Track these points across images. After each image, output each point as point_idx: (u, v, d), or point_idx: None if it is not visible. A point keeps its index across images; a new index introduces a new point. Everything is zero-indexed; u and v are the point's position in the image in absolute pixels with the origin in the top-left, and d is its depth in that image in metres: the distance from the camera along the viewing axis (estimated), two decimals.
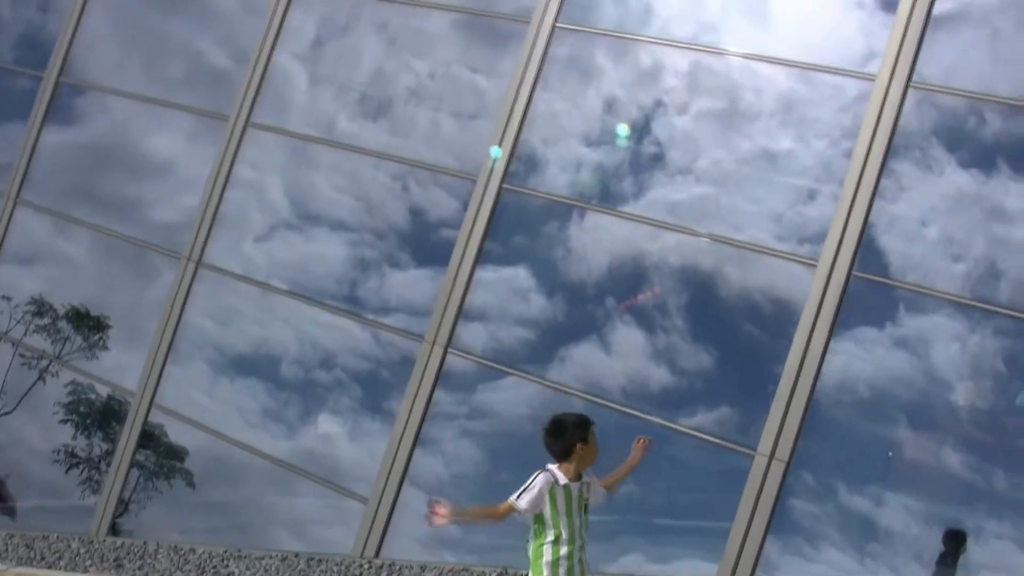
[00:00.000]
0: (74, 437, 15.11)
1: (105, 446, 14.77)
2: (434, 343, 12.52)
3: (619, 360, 11.70)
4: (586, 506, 7.41)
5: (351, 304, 13.40)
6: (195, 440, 14.06)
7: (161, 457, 14.38)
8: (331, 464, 12.88)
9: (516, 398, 12.15)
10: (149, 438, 14.41)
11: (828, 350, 10.51)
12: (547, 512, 7.29)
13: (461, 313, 12.49)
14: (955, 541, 10.20)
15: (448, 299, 12.56)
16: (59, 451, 15.09)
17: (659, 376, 11.48)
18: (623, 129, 12.30)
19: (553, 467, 7.41)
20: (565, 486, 7.30)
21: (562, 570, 7.26)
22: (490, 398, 12.31)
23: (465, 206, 12.63)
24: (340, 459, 12.91)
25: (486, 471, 12.20)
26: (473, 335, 12.42)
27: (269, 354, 13.79)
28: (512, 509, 7.32)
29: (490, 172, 12.63)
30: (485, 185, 12.62)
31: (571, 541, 7.26)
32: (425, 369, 12.50)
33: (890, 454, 10.54)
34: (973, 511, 9.97)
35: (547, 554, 7.30)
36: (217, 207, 14.49)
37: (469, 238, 12.56)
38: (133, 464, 14.35)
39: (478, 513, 7.74)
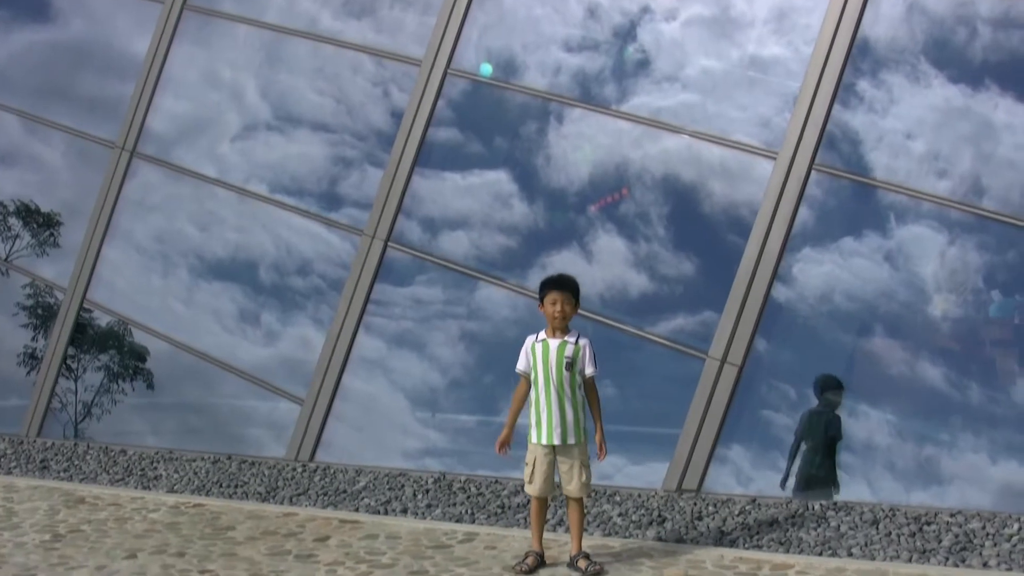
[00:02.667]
0: (34, 339, 14.98)
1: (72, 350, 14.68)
2: (373, 237, 12.44)
3: (599, 268, 11.64)
4: (568, 364, 8.13)
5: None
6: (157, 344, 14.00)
7: (125, 357, 14.28)
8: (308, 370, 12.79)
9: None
10: (110, 338, 14.34)
11: (787, 248, 10.48)
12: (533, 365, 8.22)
13: (401, 208, 12.41)
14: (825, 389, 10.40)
15: (388, 193, 12.47)
16: (20, 353, 15.00)
17: (637, 284, 11.42)
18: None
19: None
20: (543, 341, 8.22)
21: (532, 412, 8.25)
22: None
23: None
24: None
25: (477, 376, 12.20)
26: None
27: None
28: (520, 377, 8.35)
29: (433, 59, 12.54)
30: (428, 73, 12.56)
31: (544, 389, 8.15)
32: (363, 265, 12.43)
33: (866, 365, 10.50)
34: (947, 424, 9.93)
35: (531, 397, 8.25)
36: (152, 96, 14.39)
37: (411, 129, 12.50)
38: (64, 362, 14.28)
39: (515, 409, 8.40)
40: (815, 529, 9.05)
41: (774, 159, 10.64)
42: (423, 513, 10.25)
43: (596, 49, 12.07)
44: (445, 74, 12.54)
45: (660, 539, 9.11)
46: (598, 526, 9.50)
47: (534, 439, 8.22)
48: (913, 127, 10.45)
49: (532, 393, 8.23)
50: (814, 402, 10.37)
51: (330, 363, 12.34)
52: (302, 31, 13.78)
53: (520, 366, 8.28)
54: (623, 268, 11.43)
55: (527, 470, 8.27)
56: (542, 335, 8.24)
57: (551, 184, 12.00)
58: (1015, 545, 8.42)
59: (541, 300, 8.31)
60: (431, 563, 8.61)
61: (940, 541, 8.61)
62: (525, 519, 9.75)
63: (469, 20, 12.66)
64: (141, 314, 14.13)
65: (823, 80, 10.58)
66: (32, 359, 14.81)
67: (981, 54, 10.35)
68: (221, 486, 11.52)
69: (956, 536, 8.66)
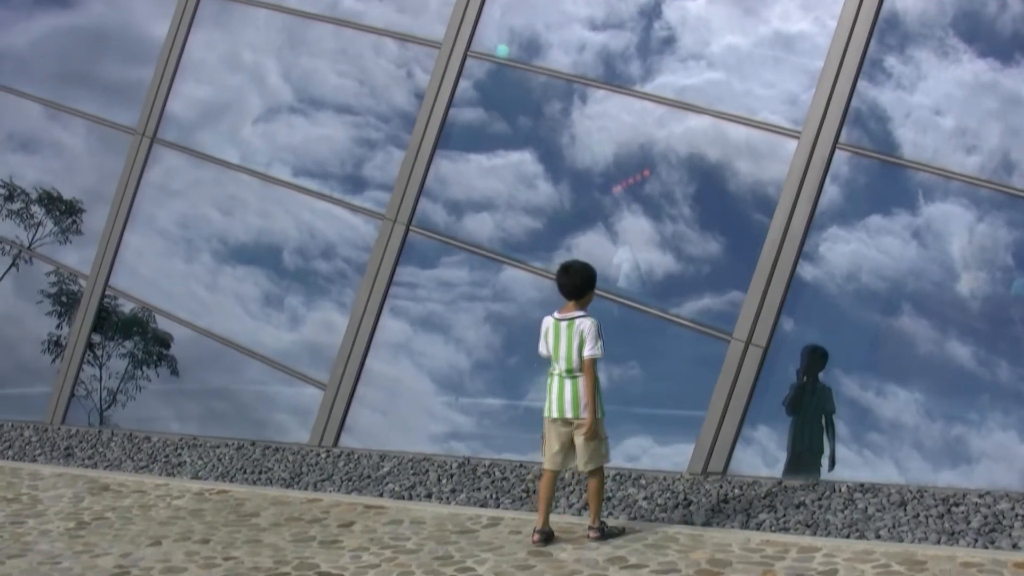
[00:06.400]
0: (58, 327, 14.99)
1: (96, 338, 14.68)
2: (395, 221, 12.39)
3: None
4: (567, 342, 8.47)
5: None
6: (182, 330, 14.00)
7: (148, 344, 14.29)
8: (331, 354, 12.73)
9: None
10: (134, 324, 14.35)
11: (812, 227, 10.37)
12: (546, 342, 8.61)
13: (423, 191, 12.35)
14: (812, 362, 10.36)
15: (409, 177, 12.41)
16: (44, 341, 15.03)
17: (663, 264, 11.33)
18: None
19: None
20: (555, 320, 8.56)
21: (547, 389, 8.64)
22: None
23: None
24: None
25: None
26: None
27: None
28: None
29: (453, 41, 12.47)
30: (448, 56, 12.48)
31: (554, 366, 8.56)
32: (385, 249, 12.38)
33: (893, 344, 10.38)
34: (976, 403, 9.82)
35: None
36: (172, 82, 14.36)
37: (431, 113, 12.43)
38: (88, 349, 14.30)
39: (589, 391, 8.50)
40: (842, 511, 8.97)
41: (797, 138, 10.51)
42: (448, 498, 10.21)
43: (621, 27, 11.95)
44: (465, 56, 12.46)
45: (686, 522, 9.06)
46: (623, 510, 9.45)
47: (544, 412, 8.65)
48: (941, 102, 10.31)
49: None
50: (841, 381, 10.27)
51: (353, 348, 12.30)
52: (319, 15, 13.71)
53: (540, 349, 8.67)
54: (649, 249, 11.34)
55: (542, 444, 8.71)
56: (557, 314, 8.59)
57: (576, 164, 11.91)
58: None
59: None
60: (456, 548, 8.59)
61: (969, 522, 8.52)
62: None
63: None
64: (164, 299, 14.12)
65: (847, 57, 10.45)
66: (56, 346, 14.82)
67: (1011, 26, 10.18)
68: (245, 472, 11.52)
69: (985, 517, 8.57)
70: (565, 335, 8.43)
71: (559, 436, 8.53)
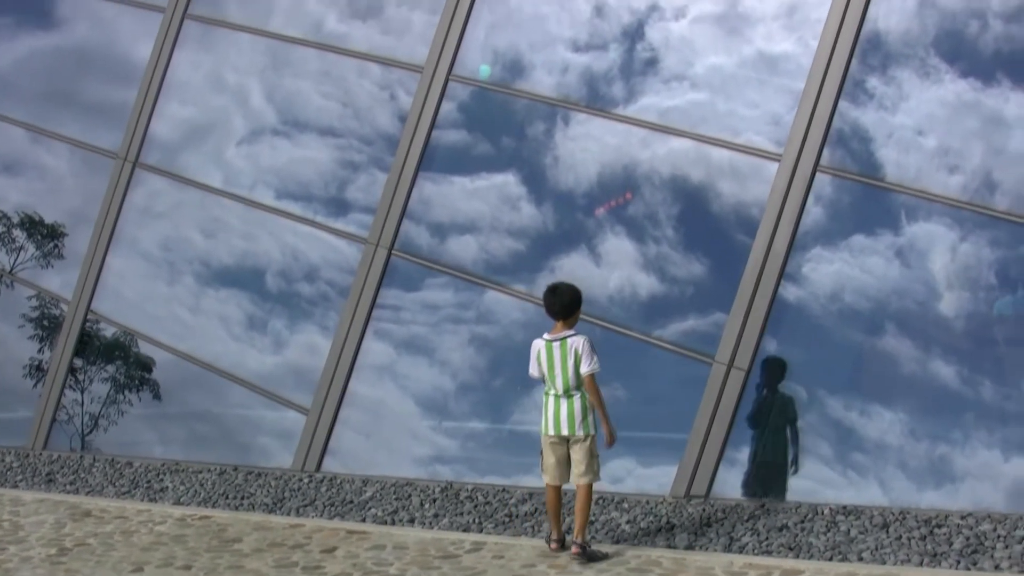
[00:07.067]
0: (40, 351, 14.95)
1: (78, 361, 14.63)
2: (377, 245, 12.37)
3: (607, 270, 11.53)
4: (562, 361, 8.65)
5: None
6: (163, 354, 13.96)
7: (131, 368, 14.24)
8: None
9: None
10: (116, 349, 14.31)
11: (795, 248, 10.37)
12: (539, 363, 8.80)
13: (405, 214, 12.33)
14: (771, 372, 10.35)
15: (391, 201, 12.40)
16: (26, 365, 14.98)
17: (646, 286, 11.31)
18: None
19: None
20: (547, 341, 8.72)
21: (543, 408, 8.83)
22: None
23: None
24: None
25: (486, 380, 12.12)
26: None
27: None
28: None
29: (435, 65, 12.47)
30: (430, 80, 12.47)
31: (549, 386, 8.75)
32: (368, 273, 12.37)
33: (877, 364, 10.36)
34: (959, 422, 9.79)
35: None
36: (154, 106, 14.35)
37: (413, 137, 12.43)
38: (70, 373, 14.26)
39: (600, 405, 8.72)
40: (825, 534, 8.95)
41: (778, 162, 10.51)
42: (430, 523, 10.17)
43: (604, 48, 11.95)
44: (447, 81, 12.45)
45: (669, 546, 9.01)
46: (607, 534, 9.42)
47: (542, 430, 8.82)
48: (923, 122, 10.31)
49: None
50: (825, 402, 10.25)
51: (336, 371, 12.27)
52: (302, 39, 13.70)
53: (531, 371, 8.88)
54: (632, 270, 11.32)
55: (540, 460, 8.90)
56: (547, 335, 8.74)
57: (559, 186, 11.90)
58: None
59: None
60: (439, 573, 8.57)
61: (951, 544, 8.50)
62: (533, 528, 9.70)
63: (474, 19, 12.56)
64: (147, 322, 14.07)
65: (828, 78, 10.46)
66: (38, 371, 14.78)
67: (993, 45, 10.19)
68: (228, 497, 11.47)
69: (967, 539, 8.55)
70: (559, 354, 8.62)
71: (556, 453, 8.75)
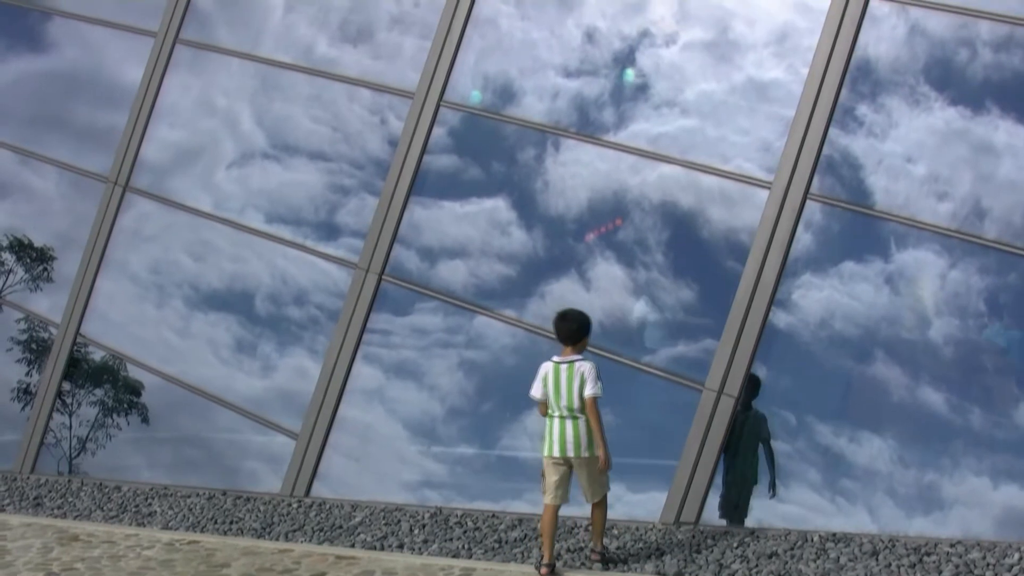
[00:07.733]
0: (28, 374, 14.90)
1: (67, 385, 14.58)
2: (367, 271, 12.37)
3: (597, 296, 11.53)
4: (568, 384, 8.86)
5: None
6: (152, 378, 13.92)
7: (119, 391, 14.20)
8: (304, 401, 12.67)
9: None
10: (105, 372, 14.27)
11: (783, 276, 10.39)
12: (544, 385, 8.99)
13: (396, 239, 12.33)
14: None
15: (381, 227, 12.40)
16: (14, 389, 14.93)
17: (636, 312, 11.31)
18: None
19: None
20: (555, 364, 8.96)
21: (545, 431, 9.00)
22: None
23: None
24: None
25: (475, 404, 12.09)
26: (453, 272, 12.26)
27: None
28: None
29: (426, 91, 12.49)
30: (421, 106, 12.48)
31: (554, 407, 8.93)
32: (358, 298, 12.36)
33: (866, 391, 10.36)
34: (948, 449, 9.80)
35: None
36: (144, 129, 14.35)
37: (403, 164, 12.43)
38: (58, 397, 14.22)
39: (598, 428, 8.86)
40: (814, 561, 8.93)
41: (768, 189, 10.53)
42: (420, 548, 10.14)
43: (595, 74, 11.97)
44: (438, 106, 12.47)
45: (659, 573, 9.00)
46: (597, 560, 9.38)
47: (543, 452, 9.01)
48: (913, 150, 10.34)
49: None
50: (814, 429, 10.25)
51: (325, 395, 12.25)
52: (292, 64, 13.71)
53: (533, 391, 9.06)
54: (622, 296, 11.32)
55: (542, 481, 9.05)
56: (556, 358, 9.01)
57: (549, 211, 11.91)
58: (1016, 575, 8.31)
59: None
60: None
61: (940, 572, 8.50)
62: (522, 553, 9.67)
63: (465, 45, 12.58)
64: (136, 346, 14.04)
65: (818, 105, 10.50)
66: (26, 394, 14.73)
67: (982, 73, 10.23)
68: (216, 522, 11.42)
69: (956, 567, 8.54)
70: (566, 377, 8.85)
71: (558, 473, 8.93)
